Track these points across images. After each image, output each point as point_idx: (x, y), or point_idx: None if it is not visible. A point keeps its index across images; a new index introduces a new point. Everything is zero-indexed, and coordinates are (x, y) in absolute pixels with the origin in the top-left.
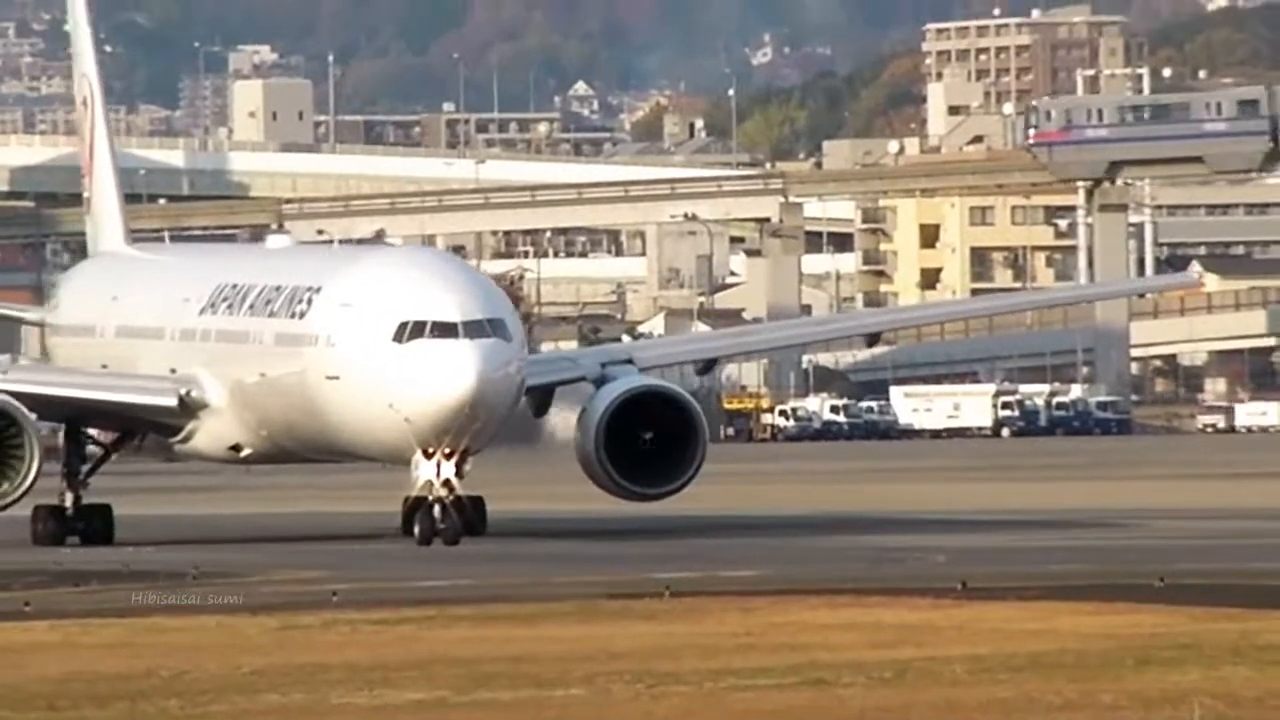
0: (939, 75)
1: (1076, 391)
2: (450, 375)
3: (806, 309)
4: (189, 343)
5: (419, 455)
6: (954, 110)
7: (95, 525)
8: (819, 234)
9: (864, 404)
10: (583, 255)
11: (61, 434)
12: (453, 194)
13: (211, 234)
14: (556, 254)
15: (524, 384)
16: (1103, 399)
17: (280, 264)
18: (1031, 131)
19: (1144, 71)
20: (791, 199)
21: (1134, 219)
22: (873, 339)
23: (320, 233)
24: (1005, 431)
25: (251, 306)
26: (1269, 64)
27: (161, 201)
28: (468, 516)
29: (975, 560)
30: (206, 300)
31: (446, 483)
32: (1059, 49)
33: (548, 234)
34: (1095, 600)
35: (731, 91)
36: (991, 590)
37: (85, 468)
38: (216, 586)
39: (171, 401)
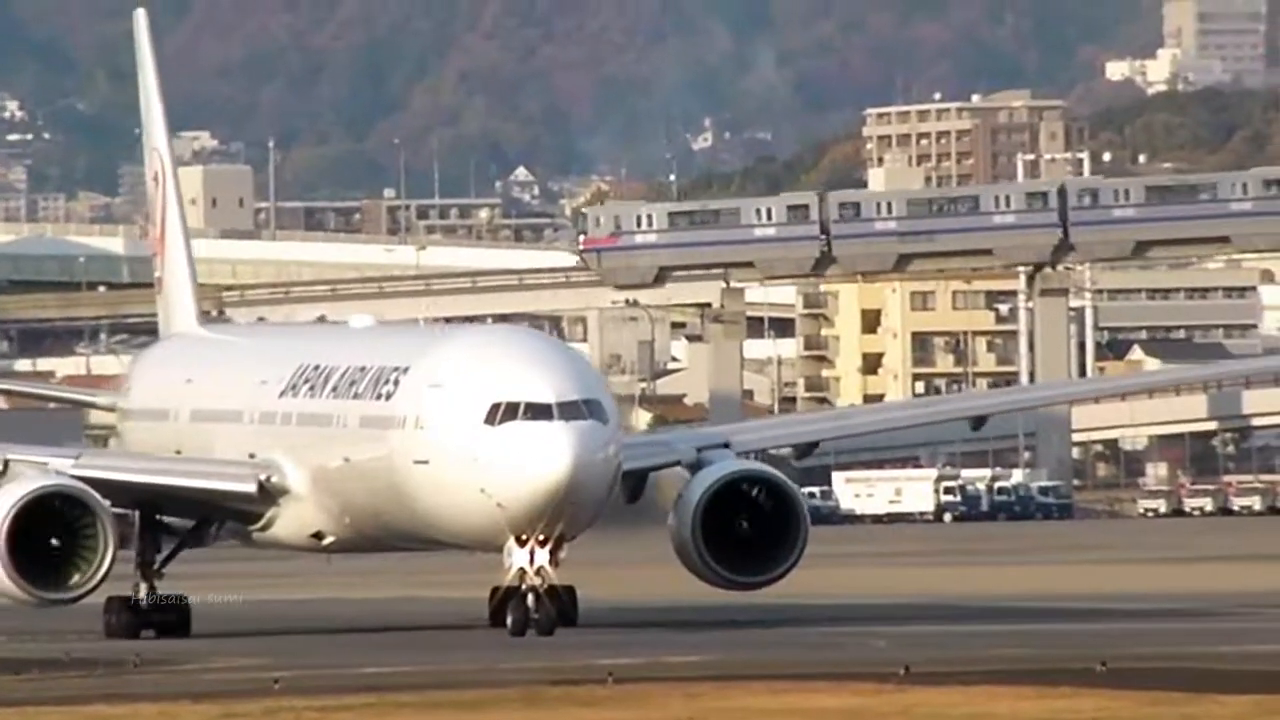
0: (880, 160)
1: (1018, 476)
2: (545, 459)
3: (748, 394)
4: (269, 426)
5: (512, 542)
6: None
7: (171, 618)
8: (760, 319)
9: (806, 490)
10: None
11: (136, 522)
12: (394, 280)
13: (151, 322)
14: None
15: (620, 467)
16: (1044, 484)
17: (365, 344)
18: (582, 238)
19: (1084, 155)
20: (733, 284)
21: (1075, 303)
22: (978, 422)
23: (261, 319)
24: (947, 516)
25: (335, 388)
26: (1209, 148)
27: (101, 289)
28: (561, 606)
29: (917, 645)
30: (287, 382)
31: (540, 570)
32: (999, 133)
33: (489, 320)
34: (1037, 685)
35: (672, 176)
36: (934, 675)
37: (160, 557)
38: (158, 674)
39: (251, 487)
